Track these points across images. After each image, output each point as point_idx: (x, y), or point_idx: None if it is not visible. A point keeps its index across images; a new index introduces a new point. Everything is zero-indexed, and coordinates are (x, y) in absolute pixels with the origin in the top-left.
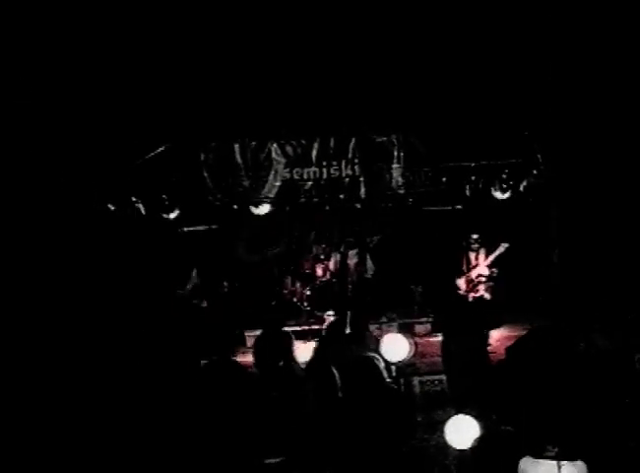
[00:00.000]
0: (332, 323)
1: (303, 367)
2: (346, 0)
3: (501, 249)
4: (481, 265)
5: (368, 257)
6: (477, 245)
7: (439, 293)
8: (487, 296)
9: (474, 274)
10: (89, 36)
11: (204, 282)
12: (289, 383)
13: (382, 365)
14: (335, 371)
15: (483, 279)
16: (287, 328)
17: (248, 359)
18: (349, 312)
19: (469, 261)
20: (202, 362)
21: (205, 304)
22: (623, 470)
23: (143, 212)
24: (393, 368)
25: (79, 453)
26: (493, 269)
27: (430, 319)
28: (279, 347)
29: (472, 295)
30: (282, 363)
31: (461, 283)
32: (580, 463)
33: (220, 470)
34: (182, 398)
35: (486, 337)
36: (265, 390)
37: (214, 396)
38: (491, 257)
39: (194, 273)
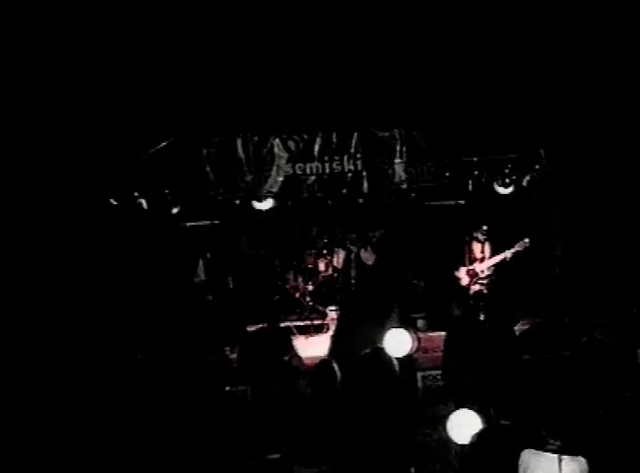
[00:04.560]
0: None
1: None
2: None
3: (522, 246)
4: (489, 259)
5: (369, 249)
6: (484, 238)
7: (441, 287)
8: (487, 290)
9: (478, 268)
10: (91, 32)
11: (209, 277)
12: (289, 379)
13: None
14: (335, 365)
15: (487, 273)
16: (288, 323)
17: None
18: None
19: (473, 254)
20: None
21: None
22: (624, 466)
23: (145, 207)
24: (395, 362)
25: (79, 450)
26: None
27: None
28: (279, 343)
29: (474, 288)
30: (285, 358)
31: (463, 276)
32: (581, 459)
33: (221, 466)
34: (183, 393)
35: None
36: (264, 386)
37: (215, 392)
38: (508, 253)
39: (200, 265)
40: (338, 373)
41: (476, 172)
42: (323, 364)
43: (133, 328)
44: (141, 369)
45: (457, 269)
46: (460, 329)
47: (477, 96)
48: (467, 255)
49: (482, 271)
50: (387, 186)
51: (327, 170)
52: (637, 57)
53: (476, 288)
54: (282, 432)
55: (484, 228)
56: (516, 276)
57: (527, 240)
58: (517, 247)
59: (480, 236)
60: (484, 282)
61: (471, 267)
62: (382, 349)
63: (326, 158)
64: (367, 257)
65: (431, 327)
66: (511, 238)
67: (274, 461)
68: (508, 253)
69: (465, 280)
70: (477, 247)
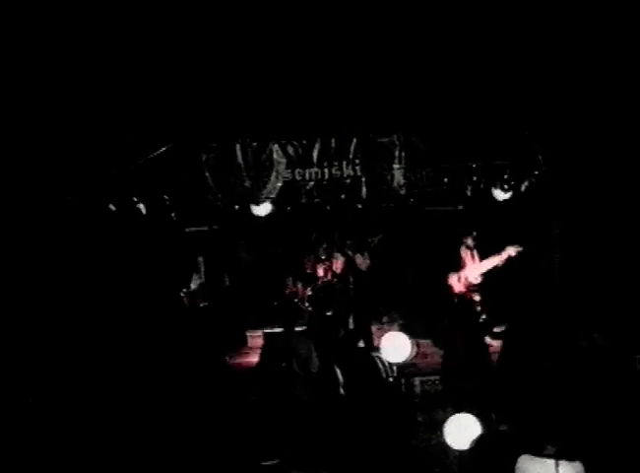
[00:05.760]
0: (334, 323)
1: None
2: (346, 0)
3: (513, 251)
4: (479, 265)
5: (365, 254)
6: (473, 244)
7: (438, 292)
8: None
9: (470, 274)
10: (90, 36)
11: (206, 282)
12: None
13: (384, 363)
14: (337, 370)
15: (480, 279)
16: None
17: (249, 359)
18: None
19: (463, 261)
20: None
21: (206, 304)
22: (621, 470)
23: (144, 212)
24: (394, 367)
25: (78, 452)
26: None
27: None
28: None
29: (468, 294)
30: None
31: (455, 283)
32: (578, 464)
33: (220, 471)
34: (179, 399)
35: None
36: (262, 391)
37: (210, 398)
38: (499, 259)
39: (195, 273)
40: (340, 379)
41: (474, 178)
42: (325, 369)
43: (129, 332)
44: (137, 374)
45: (450, 275)
46: (458, 334)
47: (475, 101)
48: (459, 261)
49: (475, 278)
50: (386, 192)
51: (326, 176)
52: (635, 64)
53: (469, 294)
54: (281, 437)
55: (474, 234)
56: (513, 282)
57: (519, 247)
58: (508, 252)
59: (469, 243)
60: (477, 288)
61: (462, 273)
62: (370, 354)
63: (325, 163)
64: (361, 262)
65: (428, 333)
66: (508, 244)
67: (272, 467)
68: (499, 259)
69: (457, 286)
70: (466, 254)
